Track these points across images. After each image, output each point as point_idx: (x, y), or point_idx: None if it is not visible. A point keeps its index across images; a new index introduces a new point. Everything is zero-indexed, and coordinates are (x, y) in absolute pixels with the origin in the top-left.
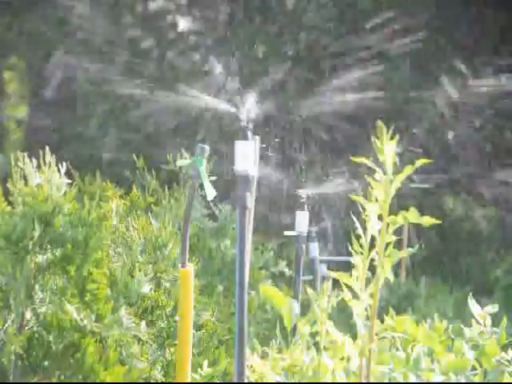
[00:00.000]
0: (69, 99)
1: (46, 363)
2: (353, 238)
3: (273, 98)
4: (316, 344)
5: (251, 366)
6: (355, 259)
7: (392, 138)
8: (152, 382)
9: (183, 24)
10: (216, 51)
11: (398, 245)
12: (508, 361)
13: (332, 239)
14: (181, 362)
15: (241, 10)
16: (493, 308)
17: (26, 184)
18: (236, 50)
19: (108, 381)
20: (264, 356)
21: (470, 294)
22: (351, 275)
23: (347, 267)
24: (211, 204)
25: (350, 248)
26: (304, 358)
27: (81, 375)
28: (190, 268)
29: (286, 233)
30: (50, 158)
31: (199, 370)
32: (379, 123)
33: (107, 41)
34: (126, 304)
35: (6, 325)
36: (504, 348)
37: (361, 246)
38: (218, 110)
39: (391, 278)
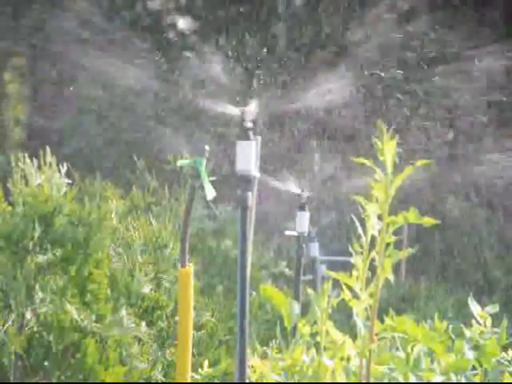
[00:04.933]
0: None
1: (46, 363)
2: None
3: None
4: (316, 344)
5: (252, 366)
6: (355, 259)
7: (392, 138)
8: (152, 382)
9: (183, 24)
10: (220, 51)
11: (399, 245)
12: (508, 361)
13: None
14: (181, 360)
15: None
16: (493, 308)
17: (26, 184)
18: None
19: (108, 381)
20: (264, 356)
21: (470, 294)
22: (351, 275)
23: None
24: (211, 204)
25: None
26: (304, 358)
27: (81, 375)
28: (190, 268)
29: (287, 233)
30: (50, 158)
31: (200, 369)
32: (379, 123)
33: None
34: (126, 304)
35: (7, 325)
36: (504, 348)
37: (361, 246)
38: (221, 110)
39: (391, 278)
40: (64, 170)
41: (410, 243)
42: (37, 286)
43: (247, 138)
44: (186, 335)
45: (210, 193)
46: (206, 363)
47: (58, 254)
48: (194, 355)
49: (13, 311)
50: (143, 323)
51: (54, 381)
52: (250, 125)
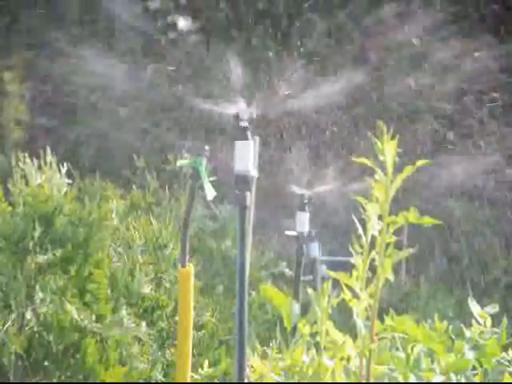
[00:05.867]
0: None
1: (47, 363)
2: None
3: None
4: (316, 344)
5: (251, 366)
6: (355, 259)
7: (392, 138)
8: (152, 382)
9: (183, 23)
10: (217, 50)
11: (399, 244)
12: (508, 361)
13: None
14: (180, 360)
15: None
16: (493, 308)
17: (26, 184)
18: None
19: (108, 381)
20: (264, 356)
21: (470, 294)
22: (351, 275)
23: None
24: (212, 204)
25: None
26: (304, 358)
27: (81, 375)
28: (190, 268)
29: (287, 233)
30: (50, 157)
31: (200, 370)
32: (379, 123)
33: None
34: (126, 304)
35: (7, 325)
36: (504, 348)
37: (361, 246)
38: (219, 109)
39: (392, 278)
40: (64, 169)
41: (410, 243)
42: (37, 286)
43: (245, 138)
44: (186, 335)
45: (210, 193)
46: (206, 363)
47: (58, 253)
48: (194, 355)
49: (13, 311)
50: (143, 323)
51: (55, 381)
52: (247, 125)
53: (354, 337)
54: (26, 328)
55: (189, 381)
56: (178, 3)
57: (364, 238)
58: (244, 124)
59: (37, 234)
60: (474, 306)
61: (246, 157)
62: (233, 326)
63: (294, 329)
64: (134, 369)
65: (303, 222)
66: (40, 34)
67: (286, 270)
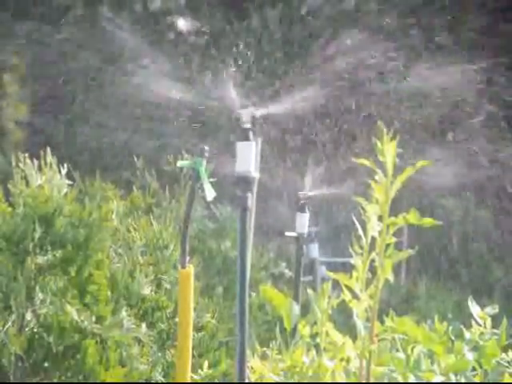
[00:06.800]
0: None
1: (47, 364)
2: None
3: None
4: (316, 345)
5: (252, 367)
6: (355, 260)
7: (392, 139)
8: (152, 382)
9: (183, 23)
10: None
11: (399, 245)
12: (508, 362)
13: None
14: (181, 361)
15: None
16: (493, 309)
17: (26, 185)
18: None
19: (108, 382)
20: (264, 357)
21: (470, 294)
22: (351, 276)
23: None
24: (211, 205)
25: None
26: (304, 359)
27: (81, 376)
28: (190, 269)
29: (287, 233)
30: (50, 158)
31: (200, 370)
32: (379, 124)
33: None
34: (126, 305)
35: (7, 326)
36: (504, 349)
37: (361, 247)
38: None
39: (391, 279)
40: (64, 170)
41: (410, 243)
42: (37, 287)
43: (247, 139)
44: (186, 336)
45: (210, 194)
46: (206, 364)
47: (58, 254)
48: (194, 356)
49: (13, 312)
50: (143, 324)
51: (55, 381)
52: (249, 126)
53: (354, 338)
54: (26, 329)
55: (189, 381)
56: (178, 4)
57: (364, 239)
58: (245, 125)
59: (37, 234)
60: (473, 307)
61: (248, 158)
62: (233, 327)
63: (294, 330)
64: (134, 370)
65: (303, 222)
66: (39, 33)
67: (286, 271)
